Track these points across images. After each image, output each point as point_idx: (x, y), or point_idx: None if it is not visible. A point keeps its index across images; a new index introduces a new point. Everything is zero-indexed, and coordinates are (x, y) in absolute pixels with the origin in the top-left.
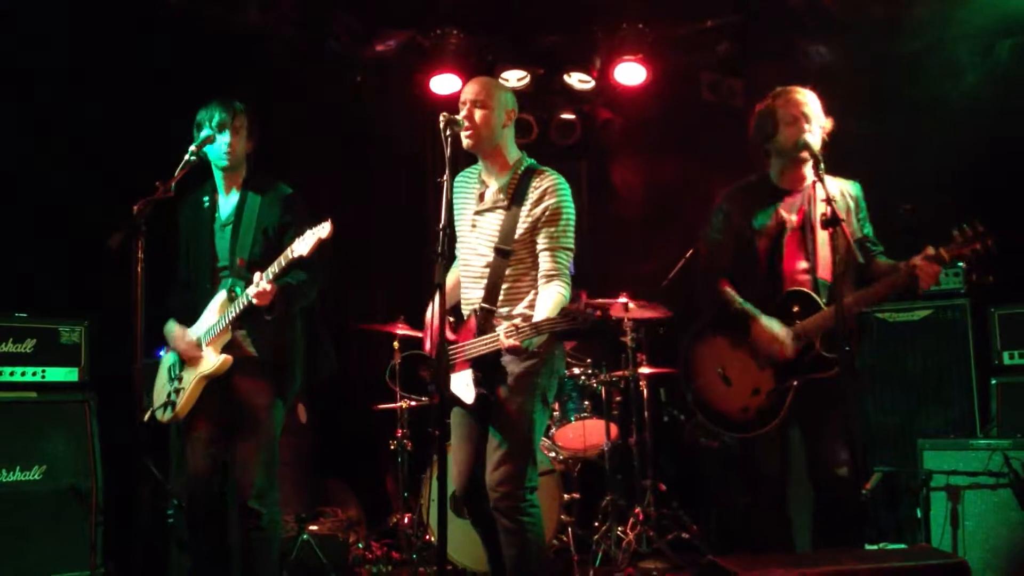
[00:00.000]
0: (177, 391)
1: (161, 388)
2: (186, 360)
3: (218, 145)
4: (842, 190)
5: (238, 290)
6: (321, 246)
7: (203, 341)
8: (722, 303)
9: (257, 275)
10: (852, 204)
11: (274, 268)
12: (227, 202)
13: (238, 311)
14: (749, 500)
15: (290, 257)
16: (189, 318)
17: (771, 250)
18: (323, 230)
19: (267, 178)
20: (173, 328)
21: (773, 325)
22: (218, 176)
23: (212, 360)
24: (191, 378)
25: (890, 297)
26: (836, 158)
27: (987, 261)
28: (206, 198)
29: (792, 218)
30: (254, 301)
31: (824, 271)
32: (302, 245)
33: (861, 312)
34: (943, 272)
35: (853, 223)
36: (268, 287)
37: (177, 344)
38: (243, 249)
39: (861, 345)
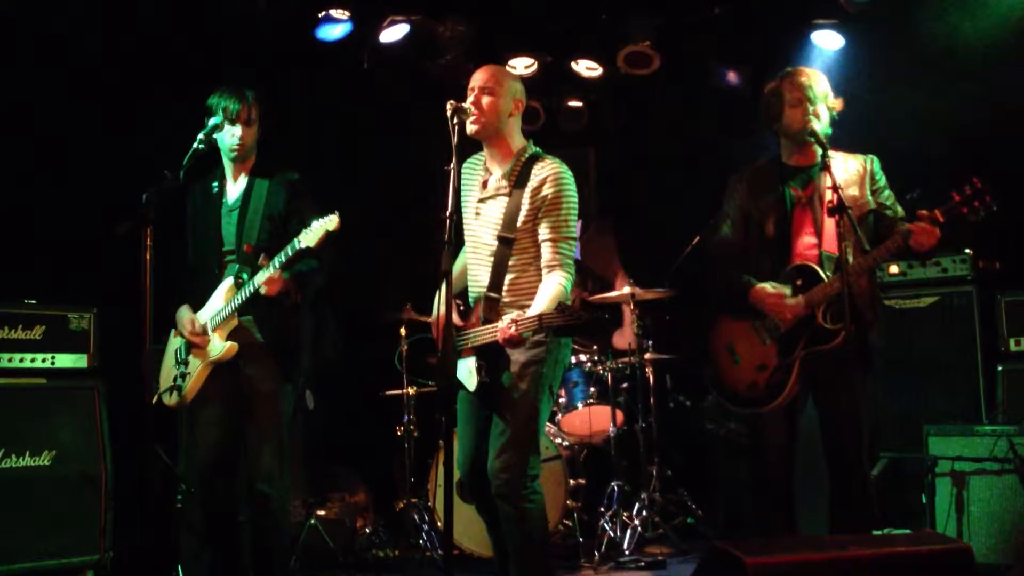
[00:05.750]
0: (183, 376)
1: (168, 372)
2: (192, 346)
3: (229, 137)
4: (855, 167)
5: (244, 276)
6: (328, 237)
7: (209, 327)
8: (735, 289)
9: (264, 261)
10: (866, 178)
11: (281, 257)
12: (235, 188)
13: (244, 298)
14: (753, 481)
15: (297, 247)
16: (196, 303)
17: (781, 228)
18: (331, 222)
19: (274, 164)
20: (184, 314)
21: (767, 286)
22: (227, 163)
23: (218, 346)
24: (197, 364)
25: (889, 260)
26: (848, 135)
27: (988, 216)
28: (215, 184)
29: (801, 195)
30: (262, 290)
31: (830, 244)
32: (309, 236)
33: (869, 285)
34: (951, 258)
35: (867, 197)
36: (276, 275)
37: (185, 329)
38: (249, 235)
39: (870, 325)
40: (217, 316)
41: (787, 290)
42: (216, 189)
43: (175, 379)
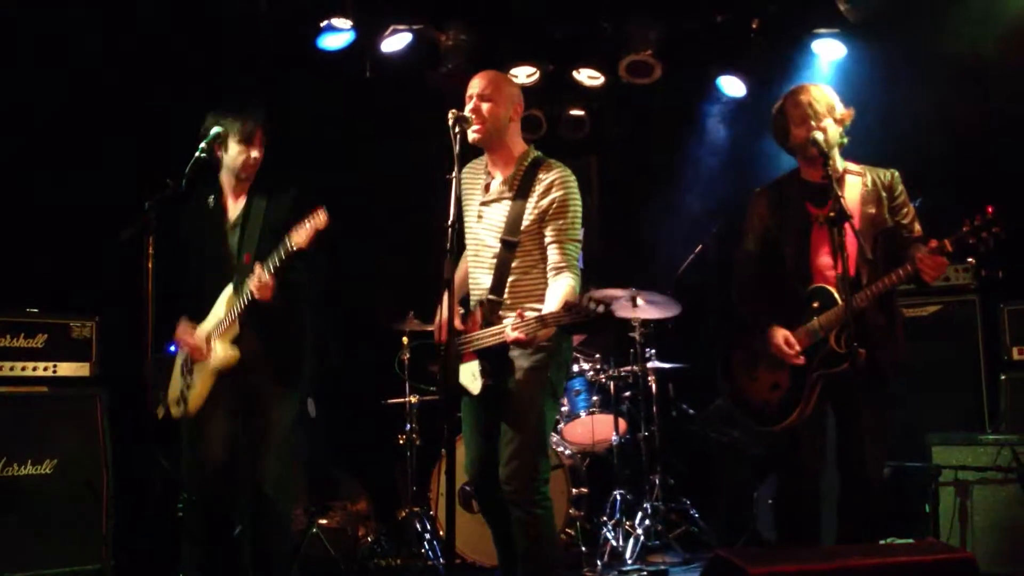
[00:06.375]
0: (189, 387)
1: (176, 384)
2: (195, 357)
3: (243, 158)
4: (875, 179)
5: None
6: (319, 236)
7: (213, 336)
8: (755, 316)
9: (257, 267)
10: (884, 194)
11: (274, 260)
12: (235, 205)
13: (243, 305)
14: (780, 492)
15: (289, 249)
16: (199, 317)
17: (800, 247)
18: (318, 219)
19: (274, 178)
20: (183, 328)
21: (781, 336)
22: (228, 180)
23: (220, 354)
24: (202, 373)
25: (897, 289)
26: (852, 143)
27: (995, 249)
28: (211, 199)
29: (819, 213)
30: (256, 294)
31: (848, 265)
32: (299, 236)
33: (881, 308)
34: (953, 267)
35: (884, 215)
36: (268, 279)
37: (185, 342)
38: (249, 246)
39: (884, 345)
40: (219, 325)
41: (799, 336)
42: (215, 205)
43: (181, 391)
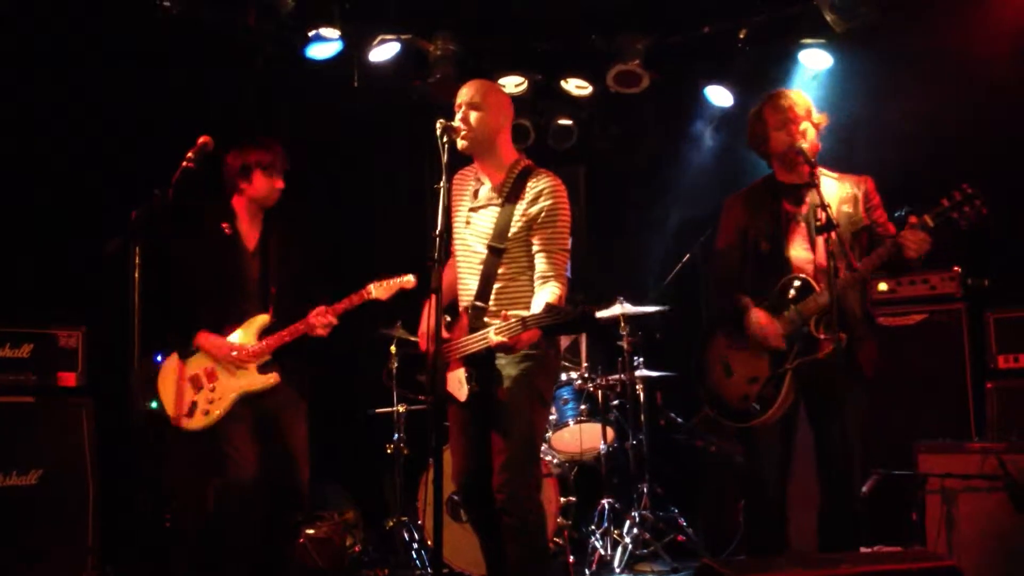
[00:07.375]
0: (211, 401)
1: (183, 395)
2: (225, 366)
3: (266, 189)
4: (850, 186)
5: (279, 316)
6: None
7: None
8: (731, 308)
9: (322, 308)
10: (860, 196)
11: (343, 304)
12: (252, 230)
13: (293, 336)
14: (747, 496)
15: (365, 299)
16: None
17: (776, 243)
18: (408, 282)
19: (289, 204)
20: (210, 337)
21: (759, 316)
22: (246, 207)
23: (258, 378)
24: (230, 390)
25: (879, 270)
26: (837, 152)
27: (979, 222)
28: (226, 224)
29: (795, 211)
30: (317, 332)
31: (823, 258)
32: (382, 290)
33: (859, 300)
34: (939, 276)
35: (861, 214)
36: (334, 320)
37: (219, 351)
38: (273, 277)
39: (861, 340)
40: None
41: (779, 323)
42: (231, 230)
43: (194, 403)
